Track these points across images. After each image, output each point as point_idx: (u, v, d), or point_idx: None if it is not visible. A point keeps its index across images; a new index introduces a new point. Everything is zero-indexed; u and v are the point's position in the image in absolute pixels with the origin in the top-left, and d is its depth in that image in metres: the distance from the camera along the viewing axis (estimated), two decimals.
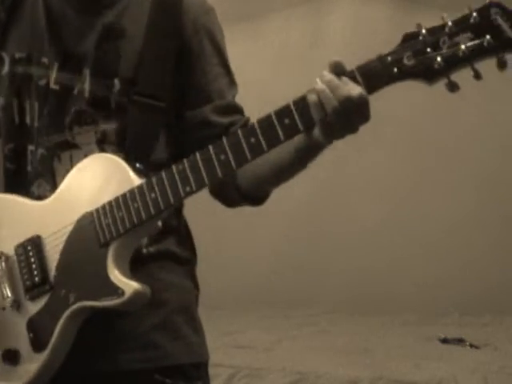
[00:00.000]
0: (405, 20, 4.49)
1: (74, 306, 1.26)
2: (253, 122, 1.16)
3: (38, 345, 1.30)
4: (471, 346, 3.39)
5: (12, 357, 1.32)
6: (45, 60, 1.37)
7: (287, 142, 1.16)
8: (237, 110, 1.42)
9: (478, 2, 1.01)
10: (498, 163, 4.35)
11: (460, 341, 3.45)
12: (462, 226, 4.35)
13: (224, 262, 4.44)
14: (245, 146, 1.15)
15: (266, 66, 4.53)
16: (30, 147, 1.38)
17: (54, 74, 1.36)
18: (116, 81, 1.34)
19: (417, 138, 4.38)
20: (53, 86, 1.36)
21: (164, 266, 1.40)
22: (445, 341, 3.48)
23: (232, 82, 1.44)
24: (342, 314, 4.14)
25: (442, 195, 4.41)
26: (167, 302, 1.38)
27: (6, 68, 1.39)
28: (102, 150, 1.34)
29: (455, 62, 1.03)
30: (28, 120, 1.38)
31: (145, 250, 1.36)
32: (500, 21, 0.99)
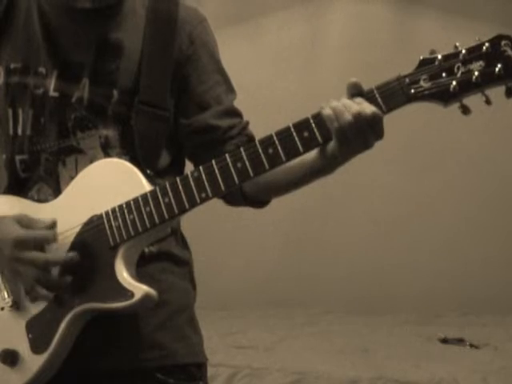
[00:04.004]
0: (405, 20, 4.50)
1: (79, 308, 1.27)
2: (271, 134, 1.19)
3: (37, 346, 1.30)
4: (471, 345, 3.39)
5: (10, 358, 1.32)
6: (42, 70, 1.38)
7: (299, 158, 1.20)
8: (235, 113, 1.44)
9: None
10: (499, 168, 4.35)
11: (460, 341, 3.45)
12: (461, 227, 4.35)
13: (225, 263, 4.44)
14: (263, 155, 1.18)
15: (265, 66, 4.53)
16: (18, 157, 1.39)
17: (53, 82, 1.37)
18: (115, 91, 1.35)
19: (419, 142, 4.38)
20: (52, 93, 1.37)
21: (164, 267, 1.41)
22: (445, 341, 3.48)
23: (230, 89, 1.46)
24: (342, 314, 4.14)
25: (443, 196, 4.41)
26: (168, 303, 1.39)
27: (1, 79, 1.40)
28: (107, 154, 1.35)
29: (468, 87, 1.10)
30: (20, 130, 1.39)
31: (146, 250, 1.37)
32: (510, 52, 1.07)
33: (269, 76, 4.50)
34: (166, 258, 1.41)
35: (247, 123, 1.44)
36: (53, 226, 1.29)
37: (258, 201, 1.41)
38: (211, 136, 1.40)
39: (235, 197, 1.39)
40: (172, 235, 1.43)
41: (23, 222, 1.30)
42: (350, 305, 4.26)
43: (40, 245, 1.28)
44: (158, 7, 1.41)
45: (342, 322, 3.97)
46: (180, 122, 1.41)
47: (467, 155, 4.39)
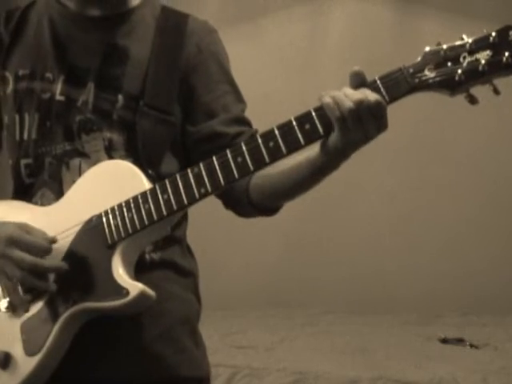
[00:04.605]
0: (405, 19, 4.49)
1: (74, 308, 1.26)
2: (272, 127, 1.17)
3: (30, 348, 1.28)
4: (471, 345, 3.38)
5: (3, 360, 1.30)
6: (49, 75, 1.39)
7: (302, 157, 1.20)
8: (244, 121, 1.43)
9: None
10: (501, 168, 4.34)
11: (460, 341, 3.45)
12: (462, 227, 4.35)
13: (225, 264, 4.44)
14: (263, 149, 1.17)
15: (266, 66, 4.53)
16: (23, 161, 1.40)
17: (59, 86, 1.38)
18: (120, 96, 1.36)
19: (420, 142, 4.37)
20: (58, 97, 1.38)
21: (167, 276, 1.39)
22: (445, 341, 3.48)
23: (239, 99, 1.44)
24: (342, 314, 4.14)
25: (443, 196, 4.41)
26: (169, 313, 1.38)
27: (10, 87, 1.41)
28: (110, 157, 1.36)
29: (475, 75, 1.07)
30: (25, 135, 1.40)
31: (148, 257, 1.36)
32: None
33: (269, 76, 4.50)
34: (168, 267, 1.40)
35: (256, 131, 1.41)
36: (53, 240, 1.29)
37: (267, 208, 1.39)
38: (219, 143, 1.37)
39: (244, 207, 1.38)
40: (176, 244, 1.42)
41: (25, 228, 1.30)
42: (350, 305, 4.26)
43: (32, 250, 1.27)
44: (168, 18, 1.42)
45: (342, 322, 3.96)
46: (187, 130, 1.41)
47: (468, 155, 4.38)
